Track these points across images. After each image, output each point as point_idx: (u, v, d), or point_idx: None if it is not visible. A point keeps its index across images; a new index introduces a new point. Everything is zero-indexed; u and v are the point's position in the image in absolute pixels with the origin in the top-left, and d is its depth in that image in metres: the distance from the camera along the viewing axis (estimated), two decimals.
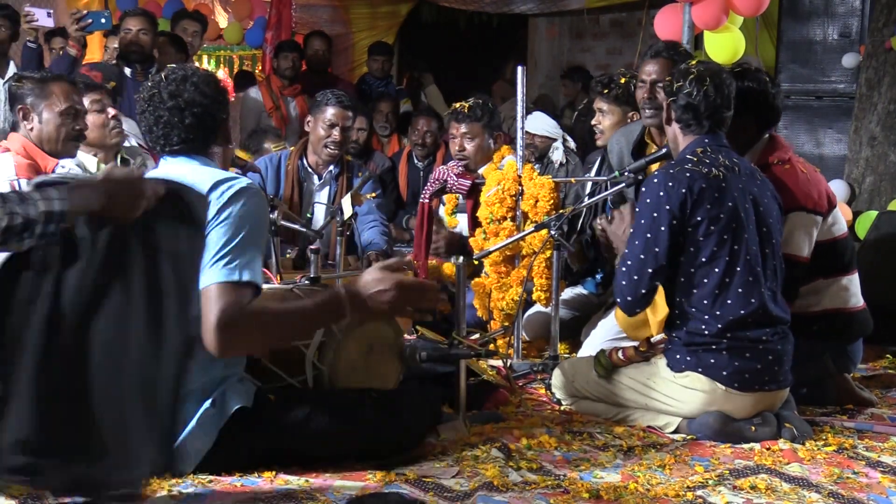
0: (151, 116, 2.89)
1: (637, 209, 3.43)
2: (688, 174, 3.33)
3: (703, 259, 3.33)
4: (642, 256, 3.35)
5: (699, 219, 3.31)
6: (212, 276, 2.71)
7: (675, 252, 3.34)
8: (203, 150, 2.93)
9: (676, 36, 5.32)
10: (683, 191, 3.30)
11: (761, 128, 3.79)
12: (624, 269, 3.41)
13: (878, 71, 6.89)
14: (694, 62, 3.54)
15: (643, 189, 3.42)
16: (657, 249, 3.33)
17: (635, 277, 3.36)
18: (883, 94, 6.84)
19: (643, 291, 3.37)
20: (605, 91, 4.79)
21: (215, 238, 2.73)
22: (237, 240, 2.75)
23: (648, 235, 3.34)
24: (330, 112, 4.99)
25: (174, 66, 3.02)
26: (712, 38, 5.38)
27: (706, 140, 3.44)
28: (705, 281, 3.33)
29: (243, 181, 2.85)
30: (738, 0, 5.34)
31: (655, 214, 3.33)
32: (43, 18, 6.10)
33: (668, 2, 5.62)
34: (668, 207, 3.31)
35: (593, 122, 4.88)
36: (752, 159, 3.70)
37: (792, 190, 3.65)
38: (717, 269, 3.32)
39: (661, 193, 3.33)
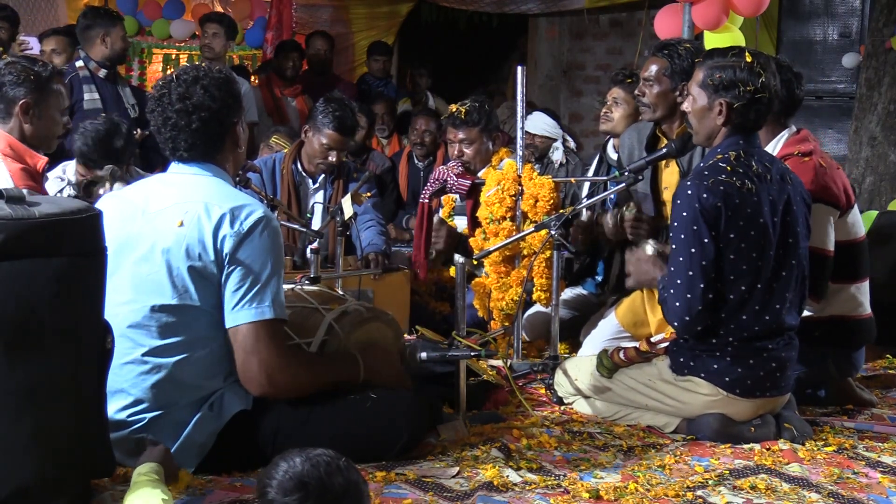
0: (160, 117, 2.87)
1: (674, 223, 3.29)
2: (721, 187, 3.21)
3: (731, 277, 3.24)
4: (691, 273, 3.22)
5: (732, 236, 3.22)
6: (244, 315, 2.75)
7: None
8: (212, 157, 2.91)
9: (676, 36, 5.31)
10: (719, 204, 3.19)
11: (779, 118, 3.78)
12: (673, 290, 3.26)
13: (878, 71, 6.90)
14: (750, 58, 3.27)
15: (676, 201, 3.27)
16: (704, 263, 3.20)
17: (689, 296, 3.22)
18: (883, 94, 6.85)
19: (699, 308, 3.22)
20: (629, 81, 4.77)
21: (240, 273, 2.75)
22: (264, 275, 2.77)
23: (693, 250, 3.22)
24: (328, 135, 4.79)
25: (188, 65, 2.95)
26: (712, 38, 5.37)
27: (741, 142, 3.31)
28: (731, 297, 3.26)
29: (259, 209, 2.82)
30: (738, 0, 5.34)
31: (696, 227, 3.21)
32: (37, 46, 6.17)
33: (668, 2, 5.61)
34: (705, 219, 3.20)
35: (603, 111, 4.86)
36: (774, 150, 3.69)
37: (810, 181, 3.62)
38: (742, 287, 3.25)
39: (697, 205, 3.20)
